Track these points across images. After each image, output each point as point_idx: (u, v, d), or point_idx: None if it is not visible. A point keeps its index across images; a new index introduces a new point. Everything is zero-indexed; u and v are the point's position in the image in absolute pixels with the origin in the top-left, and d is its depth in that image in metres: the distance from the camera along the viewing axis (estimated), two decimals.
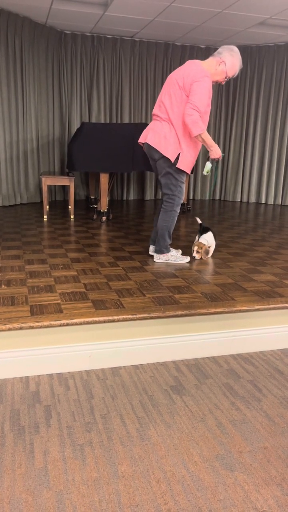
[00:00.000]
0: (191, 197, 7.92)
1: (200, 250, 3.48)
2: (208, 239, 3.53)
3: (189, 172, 3.24)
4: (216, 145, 3.14)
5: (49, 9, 5.54)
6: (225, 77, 3.10)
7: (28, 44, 6.09)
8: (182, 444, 1.71)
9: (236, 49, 3.07)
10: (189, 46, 7.18)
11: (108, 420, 1.84)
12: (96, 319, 2.22)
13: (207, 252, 3.51)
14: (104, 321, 2.24)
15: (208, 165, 3.23)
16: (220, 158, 3.22)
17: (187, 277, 3.01)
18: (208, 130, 7.65)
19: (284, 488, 1.49)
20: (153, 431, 1.78)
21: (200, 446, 1.70)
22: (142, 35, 6.65)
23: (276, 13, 5.40)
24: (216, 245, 4.04)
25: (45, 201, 5.27)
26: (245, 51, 7.15)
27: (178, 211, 3.32)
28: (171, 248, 3.46)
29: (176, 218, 3.33)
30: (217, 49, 7.27)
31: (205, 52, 7.27)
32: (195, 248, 3.50)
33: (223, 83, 3.17)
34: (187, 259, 3.43)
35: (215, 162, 3.18)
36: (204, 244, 3.48)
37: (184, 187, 3.30)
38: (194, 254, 3.49)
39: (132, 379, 2.18)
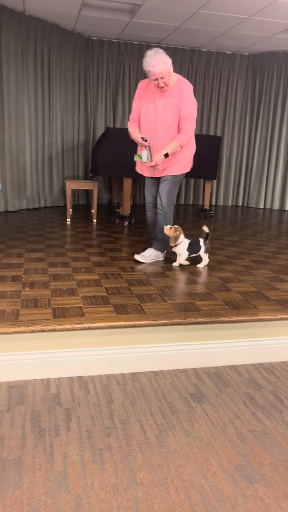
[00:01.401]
0: (213, 203, 7.88)
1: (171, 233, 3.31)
2: (180, 246, 3.37)
3: (138, 171, 3.59)
4: (134, 137, 3.38)
5: (77, 16, 5.63)
6: (153, 80, 3.19)
7: (55, 50, 6.20)
8: (202, 453, 1.69)
9: (147, 52, 3.12)
10: (215, 52, 7.17)
11: (127, 426, 1.84)
12: (118, 323, 2.23)
13: (175, 239, 3.33)
14: (125, 326, 2.24)
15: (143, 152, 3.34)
16: (145, 143, 3.29)
17: (209, 284, 2.99)
18: (233, 134, 7.61)
19: None
20: (172, 439, 1.77)
21: (219, 456, 1.68)
22: (168, 41, 6.68)
23: None
24: (239, 252, 4.01)
25: (69, 205, 5.33)
26: (271, 56, 7.10)
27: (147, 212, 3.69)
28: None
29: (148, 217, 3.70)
30: (243, 55, 7.26)
31: (230, 59, 7.25)
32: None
33: (157, 86, 3.21)
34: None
35: (146, 149, 3.33)
36: (175, 229, 3.32)
37: (146, 189, 3.63)
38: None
39: (152, 385, 2.18)
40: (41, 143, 6.32)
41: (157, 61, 3.06)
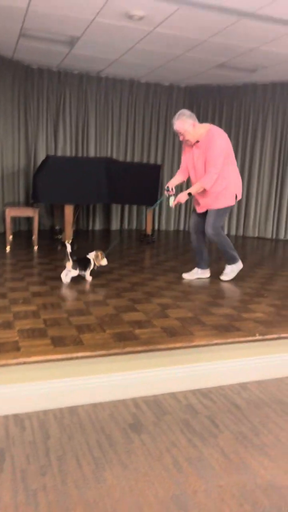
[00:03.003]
0: (156, 227, 8.04)
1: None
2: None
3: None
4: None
5: (15, 45, 5.66)
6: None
7: None
8: (138, 486, 1.70)
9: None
10: (153, 83, 7.45)
11: (64, 462, 1.81)
12: (54, 357, 2.21)
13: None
14: (62, 359, 2.23)
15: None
16: (169, 192, 3.94)
17: (148, 311, 3.04)
18: (173, 162, 7.88)
19: None
20: (109, 473, 1.76)
21: (156, 487, 1.69)
22: (107, 72, 6.87)
23: (234, 57, 5.72)
24: (178, 277, 4.11)
25: (8, 232, 5.23)
26: (206, 89, 7.48)
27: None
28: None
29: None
30: (179, 87, 7.61)
31: (168, 90, 7.57)
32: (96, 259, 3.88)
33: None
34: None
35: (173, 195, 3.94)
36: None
37: (192, 215, 4.27)
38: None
39: (90, 417, 2.16)
40: None
41: (176, 121, 3.75)
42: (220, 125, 7.51)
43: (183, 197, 3.85)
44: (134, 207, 7.89)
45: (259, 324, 2.85)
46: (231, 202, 3.95)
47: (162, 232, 7.80)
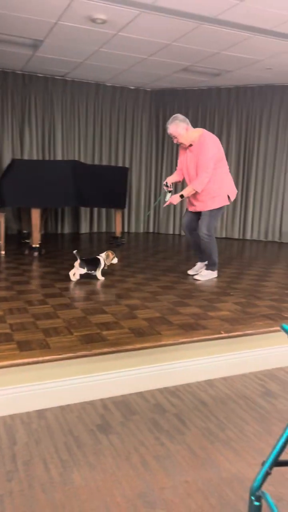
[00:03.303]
0: (126, 230, 8.06)
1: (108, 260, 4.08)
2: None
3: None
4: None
5: None
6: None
7: None
8: (106, 486, 1.70)
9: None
10: (119, 87, 7.49)
11: (31, 467, 1.80)
12: (20, 361, 2.19)
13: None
14: (29, 363, 2.21)
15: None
16: (167, 188, 4.13)
17: (116, 313, 3.05)
18: (140, 165, 7.92)
19: None
20: (76, 475, 1.76)
21: (123, 486, 1.71)
22: (73, 75, 6.86)
23: (197, 61, 5.83)
24: (148, 278, 4.15)
25: None
26: (172, 93, 7.58)
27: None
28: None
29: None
30: (146, 90, 7.67)
31: (134, 93, 7.61)
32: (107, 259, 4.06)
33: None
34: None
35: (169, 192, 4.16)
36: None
37: (185, 214, 4.41)
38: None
39: (58, 420, 2.15)
40: None
41: (170, 125, 3.93)
42: None
43: (175, 199, 4.00)
44: (103, 210, 7.89)
45: (225, 322, 2.91)
46: (223, 202, 4.08)
47: (131, 234, 7.83)
